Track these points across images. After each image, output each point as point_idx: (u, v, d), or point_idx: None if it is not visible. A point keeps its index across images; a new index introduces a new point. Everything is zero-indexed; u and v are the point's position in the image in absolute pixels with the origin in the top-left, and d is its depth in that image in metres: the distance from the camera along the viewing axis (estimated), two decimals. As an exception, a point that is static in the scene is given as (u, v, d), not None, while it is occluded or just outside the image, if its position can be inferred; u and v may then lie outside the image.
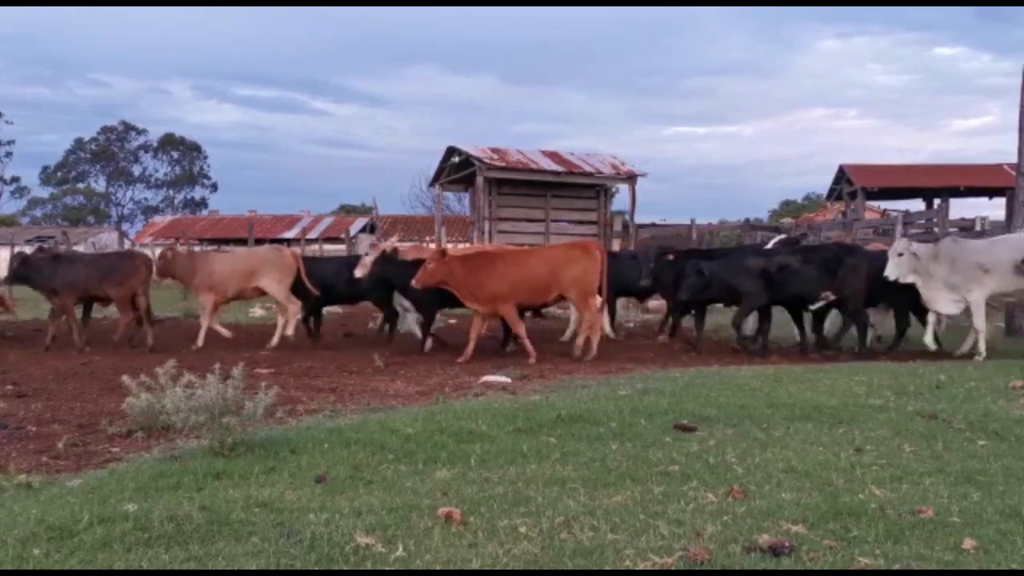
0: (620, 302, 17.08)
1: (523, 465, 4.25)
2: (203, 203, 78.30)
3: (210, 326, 10.71)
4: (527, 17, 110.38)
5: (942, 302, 9.17)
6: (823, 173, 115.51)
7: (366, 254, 10.43)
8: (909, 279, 9.10)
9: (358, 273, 10.23)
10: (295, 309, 10.68)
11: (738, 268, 9.88)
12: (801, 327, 10.19)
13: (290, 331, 10.61)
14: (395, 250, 10.65)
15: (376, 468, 4.21)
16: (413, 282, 9.21)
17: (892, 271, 9.08)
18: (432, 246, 16.79)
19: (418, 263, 9.64)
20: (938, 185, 30.06)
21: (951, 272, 9.05)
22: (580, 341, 9.49)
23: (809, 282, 9.58)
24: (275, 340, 10.57)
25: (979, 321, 8.98)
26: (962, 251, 9.20)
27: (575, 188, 20.19)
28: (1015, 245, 9.18)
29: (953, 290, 9.08)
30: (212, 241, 40.13)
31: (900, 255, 9.10)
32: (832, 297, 9.54)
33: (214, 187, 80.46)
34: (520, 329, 9.33)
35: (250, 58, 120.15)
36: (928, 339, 9.20)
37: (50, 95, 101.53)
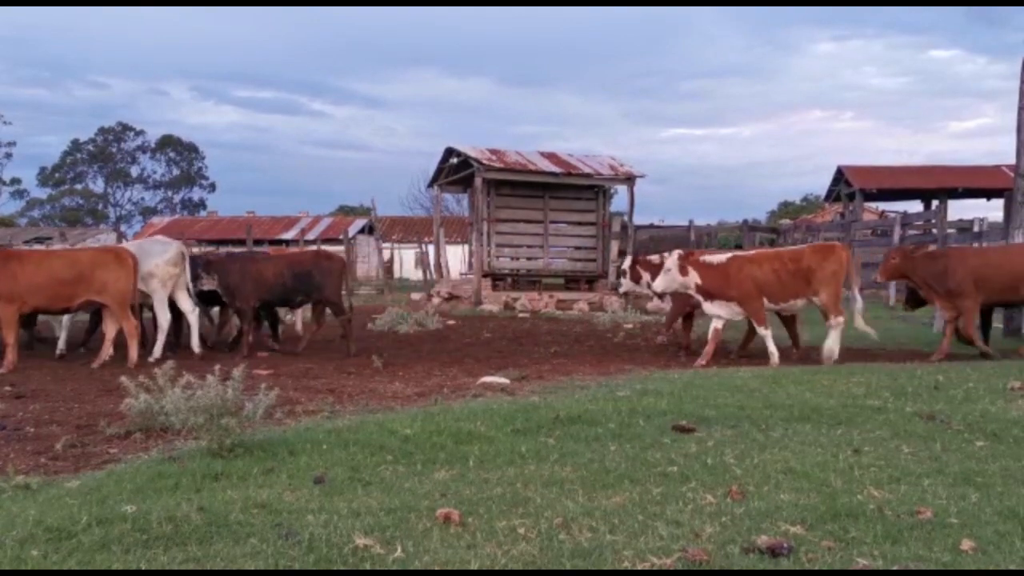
0: (619, 302, 17.15)
1: (521, 466, 4.25)
2: (202, 204, 78.39)
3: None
4: (524, 19, 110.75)
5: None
6: (820, 174, 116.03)
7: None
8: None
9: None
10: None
11: None
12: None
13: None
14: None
15: (374, 469, 4.21)
16: None
17: None
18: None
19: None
20: (936, 186, 30.12)
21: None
22: (132, 352, 8.94)
23: None
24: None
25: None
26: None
27: (573, 189, 20.18)
28: (152, 251, 9.82)
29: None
30: (211, 242, 40.15)
31: None
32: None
33: (212, 188, 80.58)
34: (10, 337, 8.65)
35: (248, 59, 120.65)
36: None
37: (48, 96, 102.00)
